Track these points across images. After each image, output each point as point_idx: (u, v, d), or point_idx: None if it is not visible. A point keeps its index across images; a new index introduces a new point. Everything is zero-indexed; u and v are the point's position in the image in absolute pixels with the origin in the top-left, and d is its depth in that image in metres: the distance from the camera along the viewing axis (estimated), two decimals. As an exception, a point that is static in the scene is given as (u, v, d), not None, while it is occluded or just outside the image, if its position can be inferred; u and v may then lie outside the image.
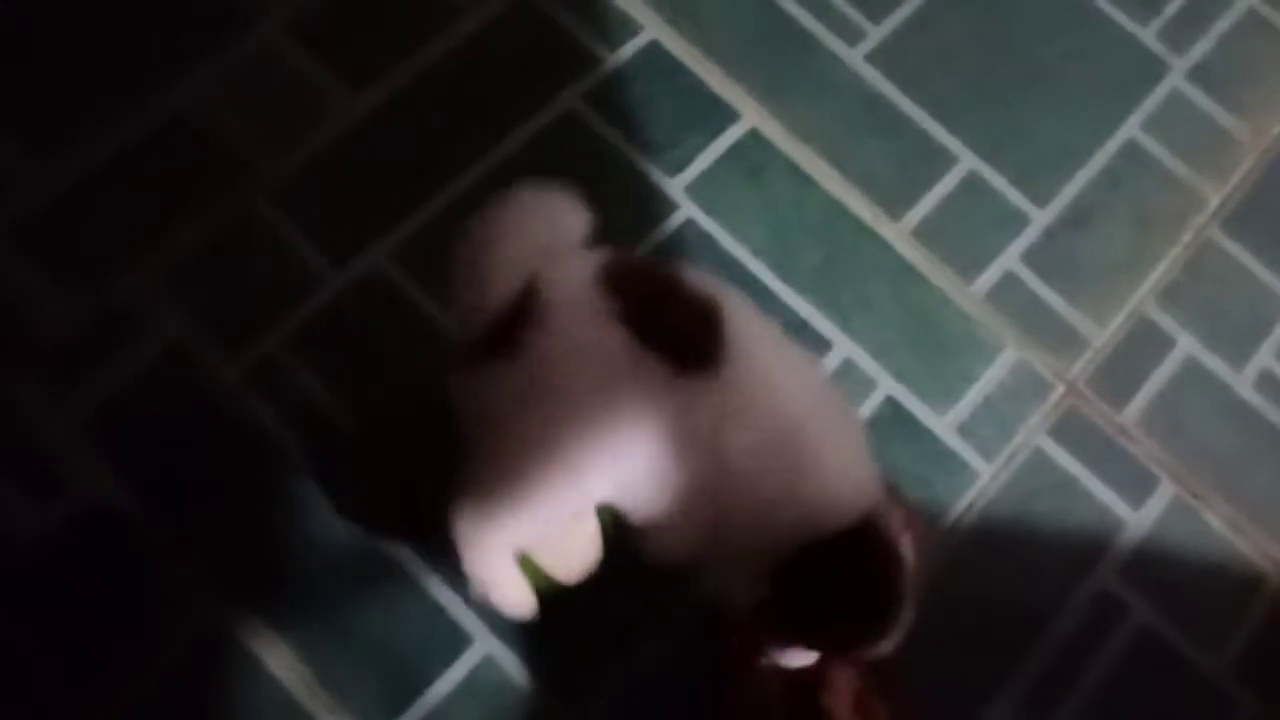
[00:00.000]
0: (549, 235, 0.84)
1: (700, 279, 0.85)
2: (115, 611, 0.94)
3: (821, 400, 0.85)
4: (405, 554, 0.98)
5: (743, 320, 0.83)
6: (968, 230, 1.18)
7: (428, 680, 0.95)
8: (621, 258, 0.85)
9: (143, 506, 0.97)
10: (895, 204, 1.18)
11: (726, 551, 0.84)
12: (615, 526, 0.90)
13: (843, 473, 0.83)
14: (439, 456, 0.87)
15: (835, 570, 0.81)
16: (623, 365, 0.78)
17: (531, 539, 0.86)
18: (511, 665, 0.96)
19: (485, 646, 0.96)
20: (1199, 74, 1.29)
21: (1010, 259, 1.18)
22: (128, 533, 0.96)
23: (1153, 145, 1.25)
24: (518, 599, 0.88)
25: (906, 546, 0.83)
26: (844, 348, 1.11)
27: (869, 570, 0.82)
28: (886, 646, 0.84)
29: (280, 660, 0.94)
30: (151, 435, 1.00)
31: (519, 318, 0.80)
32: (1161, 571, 1.07)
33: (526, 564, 0.88)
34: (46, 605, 0.94)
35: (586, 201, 0.81)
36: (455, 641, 0.96)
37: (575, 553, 0.90)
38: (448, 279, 0.83)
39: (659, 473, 0.81)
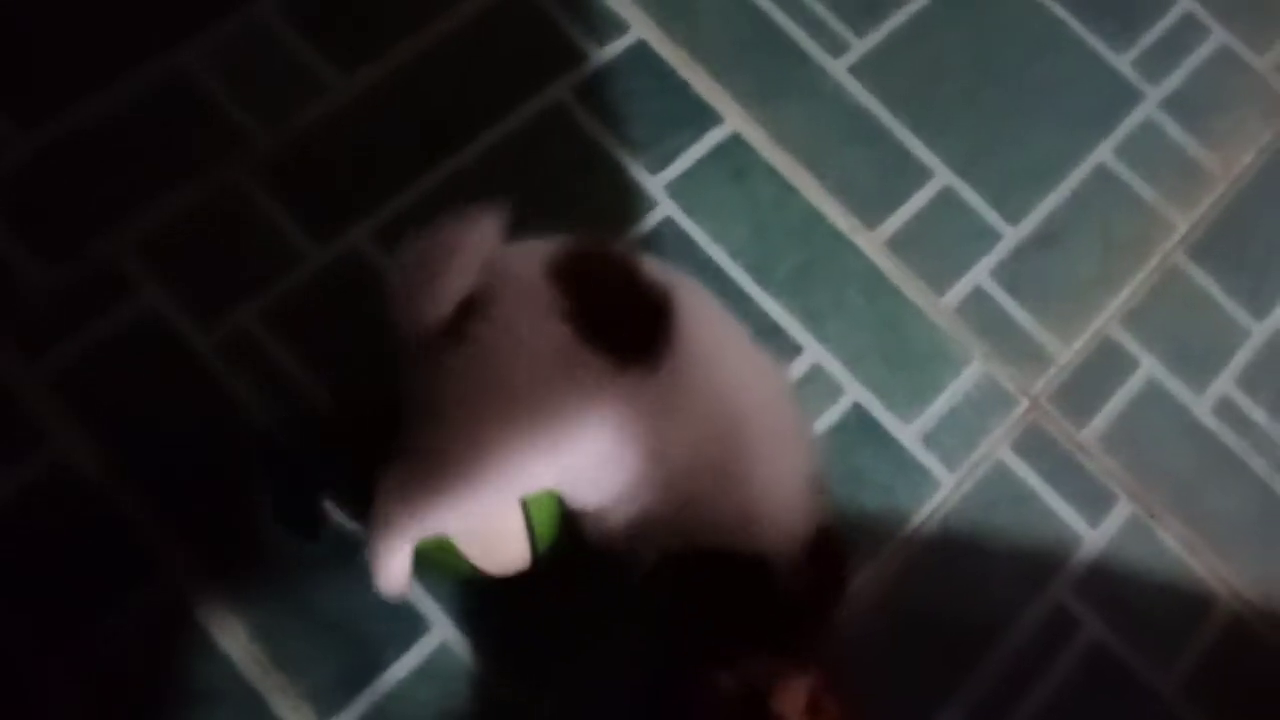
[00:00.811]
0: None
1: (659, 269, 0.83)
2: (69, 579, 0.93)
3: (767, 407, 0.85)
4: (365, 538, 0.97)
5: (696, 315, 0.82)
6: (941, 244, 1.20)
7: (383, 665, 0.94)
8: (577, 245, 0.83)
9: (105, 473, 0.96)
10: (872, 214, 1.19)
11: (651, 527, 0.85)
12: (560, 517, 0.90)
13: (771, 492, 0.83)
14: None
15: (733, 587, 0.83)
16: (562, 363, 0.77)
17: (451, 530, 0.86)
18: (468, 653, 0.96)
19: (442, 634, 0.96)
20: (1172, 104, 1.32)
21: (980, 274, 1.19)
22: (89, 499, 0.95)
23: (1124, 171, 1.27)
24: (396, 586, 0.88)
25: (814, 597, 0.85)
26: (814, 353, 1.12)
27: (765, 604, 0.84)
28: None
29: (234, 639, 0.93)
30: (120, 402, 0.99)
31: (468, 307, 0.79)
32: (1116, 589, 1.08)
33: (451, 553, 0.88)
34: (2, 568, 0.93)
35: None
36: (412, 628, 0.95)
37: (501, 548, 0.90)
38: (395, 291, 0.82)
39: (598, 464, 0.81)
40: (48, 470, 0.96)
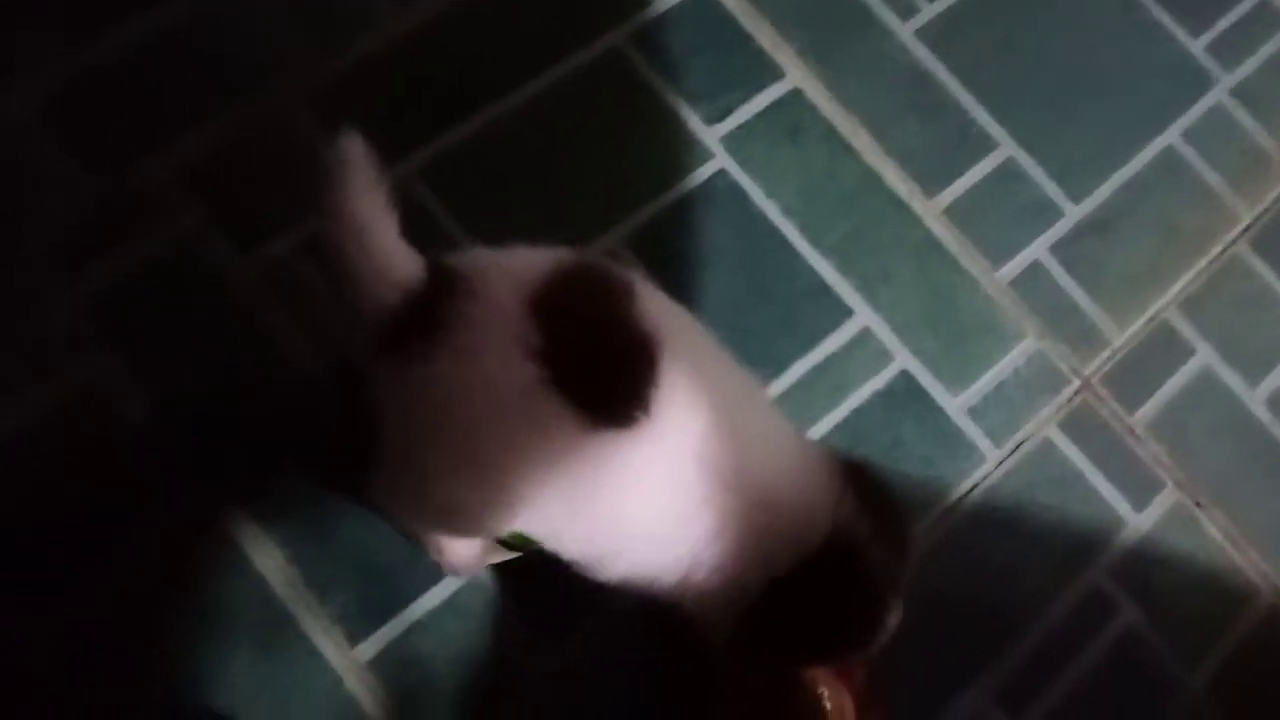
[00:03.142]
0: None
1: (652, 304, 0.75)
2: (100, 496, 0.92)
3: (758, 450, 0.78)
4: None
5: (683, 363, 0.73)
6: (1000, 217, 1.17)
7: (411, 596, 0.93)
8: (569, 270, 0.74)
9: (136, 393, 0.95)
10: (931, 182, 1.17)
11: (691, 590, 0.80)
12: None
13: (792, 508, 0.77)
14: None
15: (812, 593, 0.78)
16: (525, 410, 0.70)
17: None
18: (495, 592, 0.95)
19: (472, 571, 0.95)
20: (1242, 92, 1.29)
21: (1039, 250, 1.17)
22: (121, 418, 0.94)
23: (1191, 156, 1.24)
24: (465, 572, 0.92)
25: (879, 546, 0.79)
26: (864, 317, 1.10)
27: (846, 583, 0.79)
28: (877, 647, 0.82)
29: (268, 558, 0.92)
30: (153, 325, 0.98)
31: (435, 317, 0.71)
32: (1154, 576, 1.07)
33: None
34: (34, 484, 0.92)
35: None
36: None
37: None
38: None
39: (565, 518, 0.76)
40: (80, 389, 0.94)
